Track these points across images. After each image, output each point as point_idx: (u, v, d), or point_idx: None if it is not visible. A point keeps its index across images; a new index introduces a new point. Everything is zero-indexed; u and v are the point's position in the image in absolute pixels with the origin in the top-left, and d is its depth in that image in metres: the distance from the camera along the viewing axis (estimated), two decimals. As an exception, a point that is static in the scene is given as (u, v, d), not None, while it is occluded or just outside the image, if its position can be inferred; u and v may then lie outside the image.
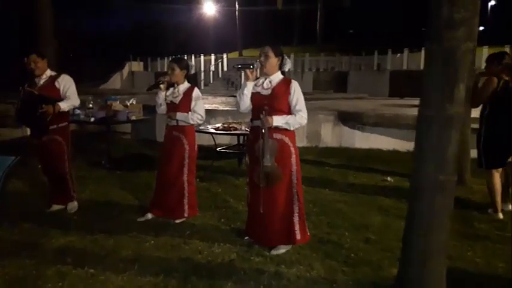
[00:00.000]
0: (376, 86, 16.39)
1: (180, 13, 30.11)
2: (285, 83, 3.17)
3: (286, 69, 3.25)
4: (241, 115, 8.22)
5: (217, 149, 5.70)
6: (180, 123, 3.83)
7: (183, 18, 30.19)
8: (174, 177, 3.88)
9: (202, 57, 21.87)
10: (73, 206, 4.19)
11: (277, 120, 3.10)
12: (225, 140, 7.08)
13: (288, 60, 3.25)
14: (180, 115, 3.81)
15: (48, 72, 4.07)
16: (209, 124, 7.82)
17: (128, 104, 6.84)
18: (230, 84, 19.16)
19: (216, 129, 5.36)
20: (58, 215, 4.11)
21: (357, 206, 4.44)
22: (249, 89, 3.22)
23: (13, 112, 4.12)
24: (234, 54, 25.09)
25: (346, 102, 10.89)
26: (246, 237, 3.49)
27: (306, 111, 3.17)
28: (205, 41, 28.23)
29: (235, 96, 3.69)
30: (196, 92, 3.89)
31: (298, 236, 3.26)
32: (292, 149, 3.20)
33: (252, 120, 3.30)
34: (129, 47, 25.82)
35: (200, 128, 5.43)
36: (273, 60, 3.16)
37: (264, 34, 27.29)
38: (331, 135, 7.96)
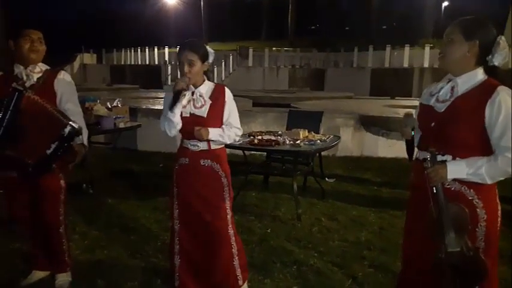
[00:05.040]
0: (356, 84, 15.60)
1: (138, 1, 27.76)
2: (483, 92, 1.70)
3: (496, 63, 1.74)
4: (248, 119, 7.10)
5: (250, 168, 4.31)
6: (213, 146, 2.40)
7: (142, 7, 27.83)
8: (216, 233, 2.42)
9: (166, 49, 20.02)
10: (65, 279, 2.64)
11: (456, 170, 1.70)
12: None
13: (502, 43, 1.73)
14: (213, 133, 2.34)
15: (42, 66, 2.50)
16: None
17: (111, 107, 5.26)
18: (201, 80, 17.52)
19: (250, 143, 3.98)
20: (42, 289, 2.59)
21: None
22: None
23: None
24: (199, 48, 23.34)
25: (338, 102, 9.88)
26: None
27: None
28: (167, 32, 26.16)
29: None
30: (229, 93, 2.43)
31: None
32: (480, 211, 1.73)
33: (417, 148, 1.93)
34: (80, 37, 23.24)
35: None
36: (461, 50, 1.74)
37: (230, 26, 25.79)
38: (351, 142, 6.85)
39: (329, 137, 4.34)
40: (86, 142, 2.49)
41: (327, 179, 5.14)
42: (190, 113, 2.36)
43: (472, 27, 1.75)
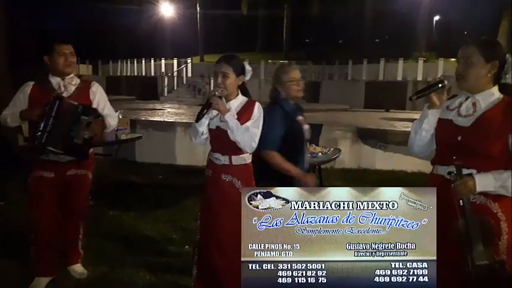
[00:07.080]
0: (350, 97, 15.77)
1: (134, 13, 27.89)
2: (505, 108, 1.79)
3: (509, 80, 1.84)
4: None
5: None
6: (235, 162, 2.38)
7: (137, 19, 27.94)
8: (227, 253, 2.28)
9: (163, 61, 20.10)
10: (81, 268, 2.97)
11: (484, 183, 1.73)
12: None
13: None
14: (232, 118, 2.30)
15: (76, 78, 2.77)
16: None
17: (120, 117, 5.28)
18: (197, 92, 17.58)
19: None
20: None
21: None
22: (431, 121, 1.90)
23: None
24: (196, 60, 23.49)
25: (334, 114, 10.00)
26: None
27: None
28: (164, 44, 26.30)
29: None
30: (258, 109, 2.38)
31: None
32: (503, 224, 1.77)
33: (433, 163, 1.93)
34: (76, 48, 23.22)
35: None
36: (482, 72, 1.80)
37: (225, 39, 26.01)
38: (348, 154, 6.91)
39: (330, 149, 4.39)
40: (113, 125, 2.93)
41: (326, 191, 5.18)
42: (216, 126, 2.36)
43: (492, 49, 1.81)
